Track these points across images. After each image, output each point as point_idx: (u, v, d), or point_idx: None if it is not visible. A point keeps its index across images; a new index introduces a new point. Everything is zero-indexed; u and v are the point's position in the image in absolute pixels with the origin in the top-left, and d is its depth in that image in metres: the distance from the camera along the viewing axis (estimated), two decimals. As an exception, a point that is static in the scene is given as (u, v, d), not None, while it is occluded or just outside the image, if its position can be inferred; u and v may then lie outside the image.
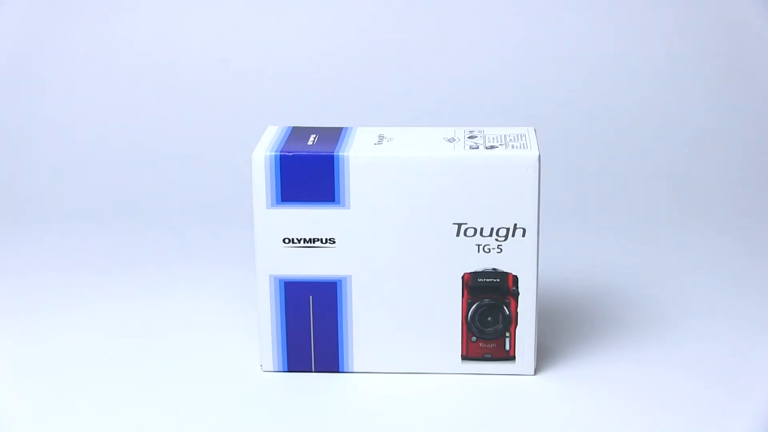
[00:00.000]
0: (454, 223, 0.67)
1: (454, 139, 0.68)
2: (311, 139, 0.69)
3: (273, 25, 1.11)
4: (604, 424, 0.65)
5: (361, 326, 0.69)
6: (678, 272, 0.85)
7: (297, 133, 0.70)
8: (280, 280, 0.69)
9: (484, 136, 0.68)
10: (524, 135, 0.68)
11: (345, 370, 0.70)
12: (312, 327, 0.69)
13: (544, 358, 0.71)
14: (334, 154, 0.66)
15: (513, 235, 0.67)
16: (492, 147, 0.66)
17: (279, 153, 0.66)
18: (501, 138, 0.68)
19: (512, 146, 0.67)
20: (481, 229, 0.67)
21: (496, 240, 0.67)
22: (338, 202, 0.67)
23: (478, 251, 0.67)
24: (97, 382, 0.69)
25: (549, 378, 0.69)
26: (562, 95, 1.07)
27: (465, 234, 0.67)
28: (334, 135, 0.69)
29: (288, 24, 1.11)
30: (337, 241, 0.67)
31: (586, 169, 1.03)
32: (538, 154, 0.66)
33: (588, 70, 1.08)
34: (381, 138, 0.69)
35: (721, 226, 0.94)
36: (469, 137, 0.68)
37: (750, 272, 0.85)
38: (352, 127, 0.71)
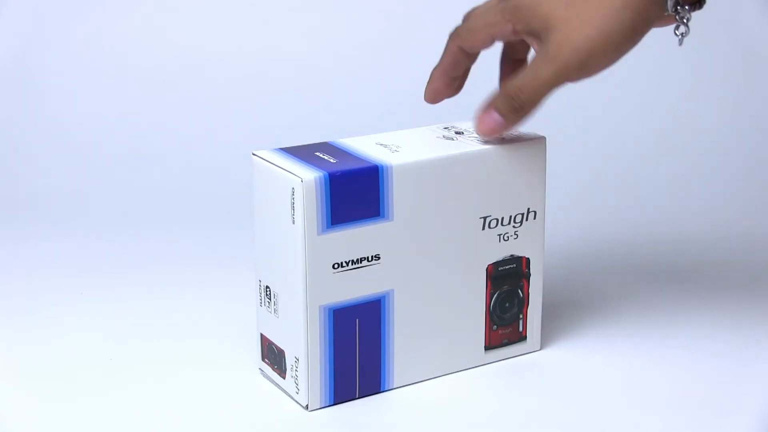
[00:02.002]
0: (480, 218, 0.68)
1: (448, 138, 0.69)
2: (325, 156, 0.66)
3: (272, 24, 1.15)
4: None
5: (402, 340, 0.68)
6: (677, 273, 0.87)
7: (301, 153, 0.66)
8: (329, 309, 0.65)
9: (468, 129, 0.71)
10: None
11: (385, 388, 0.68)
12: (357, 352, 0.66)
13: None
14: (378, 164, 0.64)
15: (527, 220, 0.70)
16: (502, 138, 0.69)
17: (328, 172, 0.63)
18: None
19: (509, 134, 0.70)
20: (502, 218, 0.69)
21: (513, 227, 0.70)
22: (383, 216, 0.65)
23: (499, 241, 0.69)
24: (97, 381, 0.69)
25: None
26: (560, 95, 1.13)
27: (489, 226, 0.69)
28: (335, 150, 0.67)
29: (281, 24, 1.15)
30: (382, 256, 0.66)
31: (588, 168, 1.06)
32: (544, 136, 0.70)
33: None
34: (384, 146, 0.68)
35: (721, 223, 0.95)
36: (456, 132, 0.70)
37: (750, 272, 0.87)
38: (338, 140, 0.69)
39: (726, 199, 1.00)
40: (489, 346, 0.71)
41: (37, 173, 1.05)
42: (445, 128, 0.71)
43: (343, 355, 0.66)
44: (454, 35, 0.69)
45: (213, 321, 0.77)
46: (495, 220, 0.69)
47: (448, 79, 0.70)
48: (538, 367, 0.71)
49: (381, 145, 0.68)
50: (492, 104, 0.67)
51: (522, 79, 0.65)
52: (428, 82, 0.70)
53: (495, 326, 0.71)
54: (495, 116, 0.66)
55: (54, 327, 0.77)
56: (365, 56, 1.15)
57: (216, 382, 0.69)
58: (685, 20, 0.65)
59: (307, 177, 0.63)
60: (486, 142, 0.68)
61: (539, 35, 0.65)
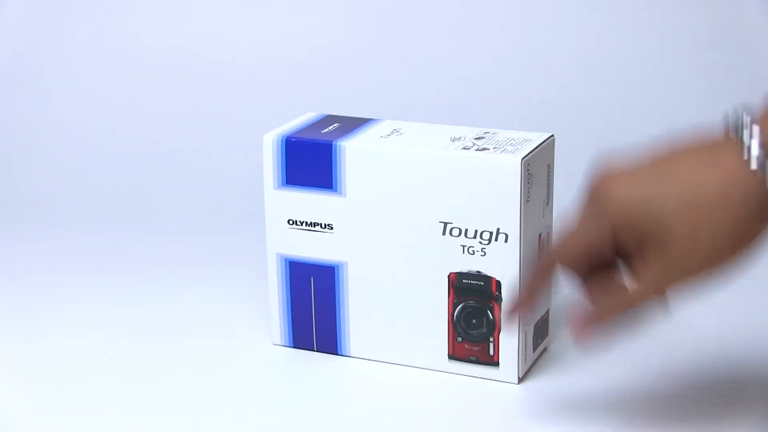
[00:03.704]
0: (440, 222, 0.67)
1: (458, 138, 0.68)
2: (331, 126, 0.71)
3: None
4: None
5: (357, 312, 0.71)
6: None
7: (323, 121, 0.73)
8: (285, 259, 0.72)
9: (493, 138, 0.68)
10: (530, 140, 0.67)
11: (342, 354, 0.72)
12: (313, 308, 0.72)
13: (540, 367, 0.70)
14: (333, 142, 0.68)
15: (496, 240, 0.66)
16: (484, 149, 0.66)
17: (285, 136, 0.70)
18: (506, 141, 0.67)
19: (504, 150, 0.66)
20: (466, 230, 0.66)
21: (480, 243, 0.66)
22: (336, 190, 0.69)
23: (463, 252, 0.67)
24: (97, 381, 0.70)
25: (532, 389, 0.68)
26: (560, 94, 1.09)
27: (450, 233, 0.67)
28: (355, 125, 0.71)
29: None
30: (335, 228, 0.70)
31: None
32: (521, 159, 0.65)
33: (596, 70, 1.09)
34: (393, 131, 0.70)
35: None
36: (476, 138, 0.68)
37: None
38: (379, 120, 0.73)
39: None
40: (453, 356, 0.69)
41: (37, 173, 1.04)
42: (482, 133, 0.69)
43: (299, 305, 0.72)
44: (551, 258, 0.60)
45: (213, 321, 0.78)
46: (458, 229, 0.66)
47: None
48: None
49: (393, 130, 0.70)
50: (596, 313, 0.59)
51: (641, 288, 0.58)
52: (520, 303, 0.62)
53: (460, 338, 0.68)
54: (595, 329, 0.59)
55: (54, 327, 0.77)
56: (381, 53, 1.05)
57: (216, 382, 0.70)
58: None
59: (269, 136, 0.70)
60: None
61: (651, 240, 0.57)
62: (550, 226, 0.70)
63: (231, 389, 0.69)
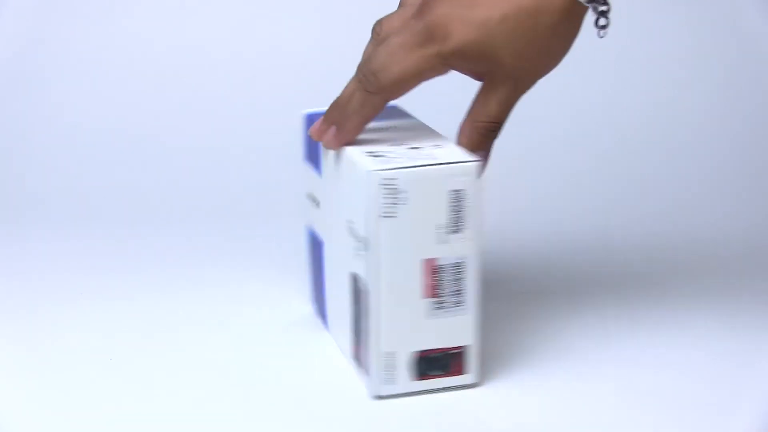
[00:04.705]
0: (345, 220, 0.67)
1: (414, 147, 0.67)
2: None
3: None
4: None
5: (330, 294, 0.73)
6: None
7: None
8: (308, 229, 0.77)
9: (424, 152, 0.65)
10: (442, 163, 0.64)
11: (327, 329, 0.75)
12: (320, 277, 0.76)
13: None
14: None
15: (365, 246, 0.64)
16: (386, 157, 0.65)
17: (308, 113, 0.74)
18: (426, 156, 0.65)
19: (397, 161, 0.64)
20: (356, 232, 0.66)
21: (358, 246, 0.65)
22: (320, 170, 0.72)
23: (355, 255, 0.66)
24: (97, 381, 0.69)
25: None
26: (560, 94, 1.08)
27: (351, 234, 0.67)
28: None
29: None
30: (320, 206, 0.73)
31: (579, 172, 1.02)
32: (373, 169, 0.62)
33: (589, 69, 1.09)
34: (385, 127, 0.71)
35: (718, 224, 0.92)
36: (412, 148, 0.66)
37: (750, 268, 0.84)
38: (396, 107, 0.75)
39: (723, 199, 0.99)
40: (355, 357, 0.68)
41: (38, 173, 1.02)
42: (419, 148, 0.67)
43: (314, 272, 0.77)
44: (379, 90, 0.66)
45: (213, 321, 0.77)
46: (351, 231, 0.66)
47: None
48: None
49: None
50: (467, 144, 0.68)
51: (490, 110, 0.67)
52: (342, 131, 0.67)
53: (357, 340, 0.67)
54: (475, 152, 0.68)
55: (54, 327, 0.77)
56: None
57: (216, 383, 0.69)
58: (604, 13, 0.67)
59: (303, 113, 0.76)
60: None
61: (485, 68, 0.67)
62: (463, 257, 0.65)
63: (231, 389, 0.68)
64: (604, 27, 0.68)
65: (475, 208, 0.64)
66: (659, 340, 0.73)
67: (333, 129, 0.67)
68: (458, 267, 0.65)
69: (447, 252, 0.65)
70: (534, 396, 0.66)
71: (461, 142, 0.68)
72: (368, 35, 0.71)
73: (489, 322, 0.76)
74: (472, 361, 0.67)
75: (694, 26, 1.12)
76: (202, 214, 0.98)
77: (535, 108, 1.11)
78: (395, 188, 0.63)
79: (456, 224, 0.64)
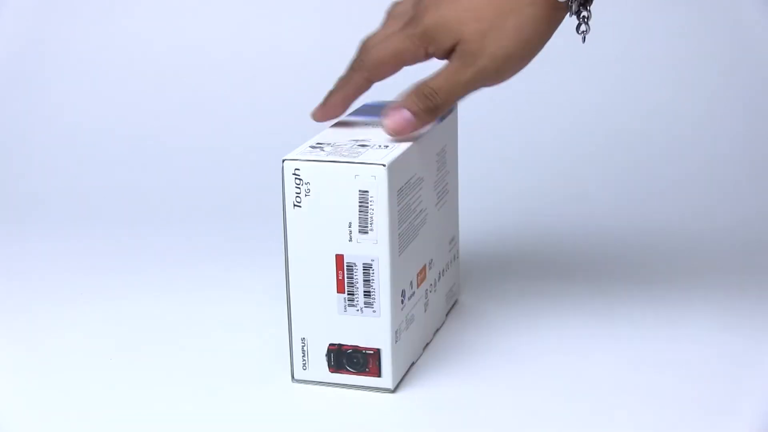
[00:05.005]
0: None
1: (362, 143, 0.68)
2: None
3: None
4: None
5: None
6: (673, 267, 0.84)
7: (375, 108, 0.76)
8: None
9: (367, 146, 0.67)
10: (361, 163, 0.65)
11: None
12: None
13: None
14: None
15: None
16: (317, 144, 0.67)
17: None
18: (370, 153, 0.66)
19: (322, 149, 0.66)
20: None
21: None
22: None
23: None
24: (97, 382, 0.69)
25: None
26: (561, 94, 1.10)
27: None
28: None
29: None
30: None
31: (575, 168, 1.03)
32: (286, 158, 0.64)
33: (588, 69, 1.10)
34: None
35: (718, 224, 0.93)
36: (360, 144, 0.67)
37: (750, 268, 0.84)
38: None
39: (722, 198, 0.98)
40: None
41: (38, 173, 1.02)
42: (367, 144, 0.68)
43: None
44: (360, 67, 0.69)
45: (213, 321, 0.77)
46: None
47: (348, 104, 0.70)
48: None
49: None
50: (404, 103, 0.68)
51: (438, 80, 0.68)
52: (324, 106, 0.71)
53: None
54: (406, 115, 0.68)
55: (54, 327, 0.77)
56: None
57: (216, 382, 0.69)
58: (586, 20, 0.68)
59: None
60: (394, 140, 0.67)
61: (453, 50, 0.68)
62: (374, 258, 0.65)
63: (231, 389, 0.68)
64: (585, 33, 0.69)
65: (381, 211, 0.64)
66: (659, 340, 0.73)
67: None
68: (368, 267, 0.66)
69: (357, 251, 0.65)
70: (534, 396, 0.67)
71: (397, 97, 0.69)
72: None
73: (488, 322, 0.76)
74: (387, 365, 0.67)
75: (694, 26, 1.12)
76: (202, 214, 0.98)
77: (535, 108, 1.11)
78: (300, 179, 0.65)
79: (364, 225, 0.65)
